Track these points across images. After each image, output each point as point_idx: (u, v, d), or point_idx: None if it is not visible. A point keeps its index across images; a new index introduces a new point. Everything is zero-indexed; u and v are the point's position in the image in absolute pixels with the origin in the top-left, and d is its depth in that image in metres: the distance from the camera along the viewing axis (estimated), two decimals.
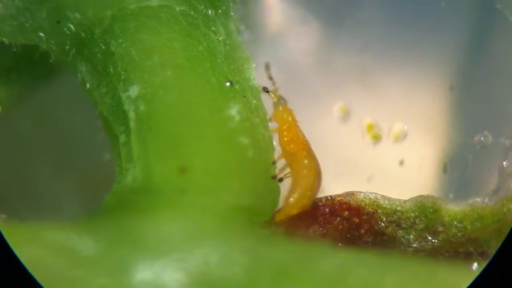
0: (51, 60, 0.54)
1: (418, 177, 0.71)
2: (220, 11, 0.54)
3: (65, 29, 0.52)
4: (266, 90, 0.56)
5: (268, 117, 0.55)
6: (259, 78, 0.56)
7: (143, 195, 0.49)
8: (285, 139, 0.54)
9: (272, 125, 0.55)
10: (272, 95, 0.56)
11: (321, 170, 0.53)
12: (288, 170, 0.53)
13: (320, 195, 0.53)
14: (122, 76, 0.51)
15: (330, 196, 0.53)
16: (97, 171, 0.69)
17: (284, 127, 0.55)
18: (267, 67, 0.57)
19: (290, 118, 0.55)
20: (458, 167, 0.69)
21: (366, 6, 0.74)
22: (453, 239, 0.52)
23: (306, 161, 0.52)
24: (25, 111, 0.70)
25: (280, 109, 0.56)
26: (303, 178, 0.52)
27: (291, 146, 0.54)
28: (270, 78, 0.57)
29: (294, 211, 0.51)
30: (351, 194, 0.53)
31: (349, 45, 0.74)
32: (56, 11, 0.52)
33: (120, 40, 0.51)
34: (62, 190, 0.72)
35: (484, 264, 0.49)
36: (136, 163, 0.50)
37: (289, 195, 0.52)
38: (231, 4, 0.55)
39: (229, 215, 0.49)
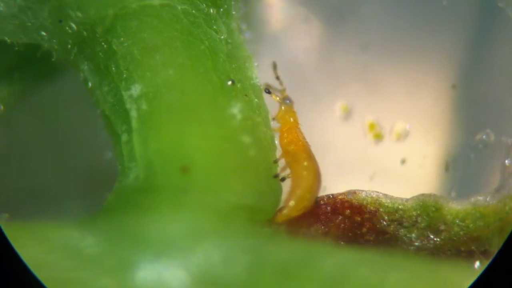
0: (53, 59, 0.54)
1: (420, 175, 0.71)
2: (221, 9, 0.54)
3: (67, 28, 0.52)
4: (267, 91, 0.56)
5: (270, 116, 0.55)
6: (260, 77, 0.56)
7: (145, 194, 0.49)
8: (285, 140, 0.54)
9: (274, 124, 0.55)
10: (274, 96, 0.56)
11: (320, 172, 0.53)
12: None
13: (322, 193, 0.53)
14: (124, 75, 0.51)
15: (332, 195, 0.53)
16: (99, 170, 0.69)
17: (285, 129, 0.55)
18: (275, 66, 0.57)
19: (291, 120, 0.55)
20: (460, 166, 0.69)
21: (368, 4, 0.74)
22: (455, 238, 0.52)
23: (305, 163, 0.52)
24: (27, 110, 0.70)
25: (283, 108, 0.56)
26: (303, 179, 0.52)
27: (291, 147, 0.54)
28: (277, 78, 0.57)
29: (295, 213, 0.51)
30: (353, 192, 0.53)
31: (350, 44, 0.74)
32: (58, 10, 0.52)
33: (122, 39, 0.51)
34: (64, 189, 0.72)
35: (486, 262, 0.49)
36: (138, 162, 0.50)
37: (289, 197, 0.52)
38: (232, 2, 0.55)
39: (231, 214, 0.49)
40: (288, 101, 0.56)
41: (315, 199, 0.52)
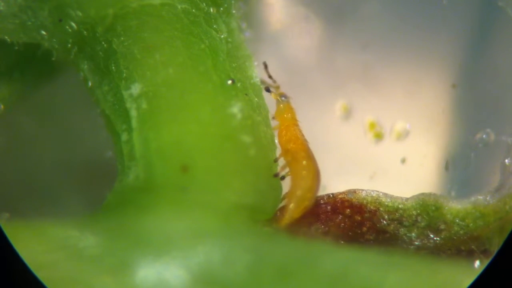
0: (53, 59, 0.54)
1: (420, 175, 0.71)
2: (222, 9, 0.54)
3: (67, 27, 0.52)
4: (268, 90, 0.56)
5: (270, 115, 0.55)
6: (261, 76, 0.56)
7: (145, 194, 0.49)
8: (284, 138, 0.54)
9: (274, 123, 0.55)
10: (274, 95, 0.56)
11: (319, 170, 0.52)
12: None
13: (322, 193, 0.53)
14: (124, 74, 0.51)
15: (332, 194, 0.53)
16: (99, 169, 0.69)
17: (283, 126, 0.55)
18: (265, 66, 0.57)
19: (289, 116, 0.55)
20: (460, 165, 0.69)
21: (368, 3, 0.74)
22: (455, 237, 0.52)
23: (304, 162, 0.52)
24: (28, 109, 0.70)
25: (281, 106, 0.56)
26: (302, 179, 0.52)
27: (290, 146, 0.54)
28: (270, 77, 0.57)
29: (297, 215, 0.51)
30: (353, 192, 0.53)
31: (351, 43, 0.74)
32: (58, 10, 0.52)
33: (122, 38, 0.51)
34: (65, 189, 0.72)
35: (486, 262, 0.49)
36: (138, 161, 0.50)
37: (289, 198, 0.51)
38: (233, 2, 0.55)
39: (231, 213, 0.49)
40: (284, 98, 0.56)
41: (315, 198, 0.52)
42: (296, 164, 0.52)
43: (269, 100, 0.56)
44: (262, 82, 0.56)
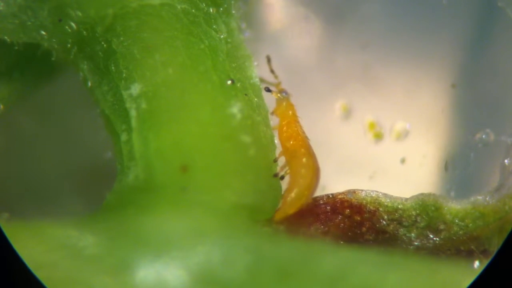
0: (53, 59, 0.54)
1: (419, 175, 0.71)
2: (221, 9, 0.54)
3: (67, 27, 0.52)
4: (267, 89, 0.56)
5: (270, 112, 0.55)
6: (261, 74, 0.56)
7: (145, 194, 0.49)
8: (285, 135, 0.54)
9: (273, 123, 0.55)
10: (275, 94, 0.56)
11: (319, 167, 0.52)
12: None
13: (322, 193, 0.53)
14: (124, 74, 0.51)
15: (332, 194, 0.53)
16: (99, 169, 0.69)
17: (284, 122, 0.55)
18: (268, 60, 0.57)
19: (290, 113, 0.55)
20: (460, 165, 0.69)
21: (368, 3, 0.74)
22: (454, 237, 0.52)
23: (304, 160, 0.52)
24: (27, 109, 0.70)
25: (284, 104, 0.56)
26: (301, 177, 0.52)
27: (291, 143, 0.54)
28: (272, 71, 0.57)
29: (292, 211, 0.51)
30: (353, 192, 0.53)
31: (351, 43, 0.74)
32: (58, 10, 0.52)
33: (121, 38, 0.51)
34: (64, 189, 0.72)
35: (486, 262, 0.49)
36: (138, 161, 0.50)
37: (287, 194, 0.51)
38: (232, 2, 0.55)
39: (231, 213, 0.49)
40: (284, 94, 0.56)
41: (313, 195, 0.52)
42: (295, 162, 0.52)
43: (269, 100, 0.56)
44: (262, 80, 0.56)
